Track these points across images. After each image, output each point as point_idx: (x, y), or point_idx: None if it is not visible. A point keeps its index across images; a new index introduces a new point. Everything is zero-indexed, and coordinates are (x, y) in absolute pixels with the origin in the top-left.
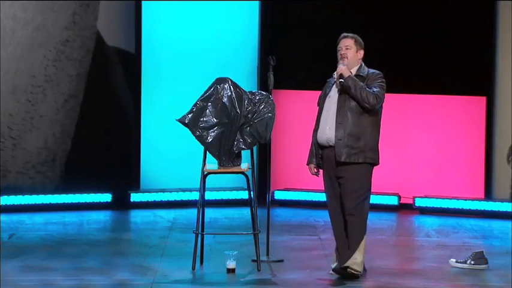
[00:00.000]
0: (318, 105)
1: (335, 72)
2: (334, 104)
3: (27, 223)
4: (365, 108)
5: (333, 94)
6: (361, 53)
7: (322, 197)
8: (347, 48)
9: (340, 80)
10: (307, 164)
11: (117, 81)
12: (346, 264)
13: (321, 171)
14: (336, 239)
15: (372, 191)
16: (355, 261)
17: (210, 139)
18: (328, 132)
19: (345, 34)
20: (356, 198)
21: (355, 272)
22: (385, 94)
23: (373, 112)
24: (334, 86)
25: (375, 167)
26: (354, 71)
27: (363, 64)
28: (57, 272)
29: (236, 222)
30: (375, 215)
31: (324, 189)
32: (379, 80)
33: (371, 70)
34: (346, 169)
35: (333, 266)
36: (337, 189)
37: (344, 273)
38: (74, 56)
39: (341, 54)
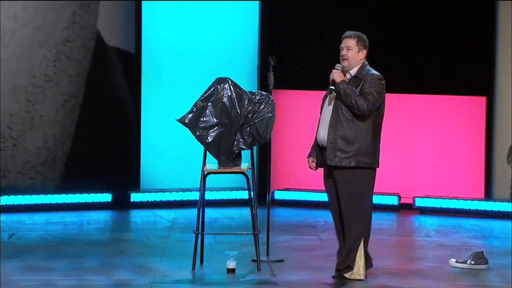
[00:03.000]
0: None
1: None
2: (330, 106)
3: (27, 223)
4: (356, 114)
5: (331, 96)
6: (364, 52)
7: (322, 197)
8: (348, 49)
9: (331, 87)
10: (308, 157)
11: (117, 81)
12: (347, 276)
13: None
14: (338, 239)
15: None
16: (357, 270)
17: (210, 139)
18: (322, 134)
19: (347, 33)
20: (350, 202)
21: (358, 279)
22: (384, 96)
23: (369, 115)
24: None
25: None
26: (353, 71)
27: (365, 64)
28: (57, 272)
29: (236, 222)
30: (374, 215)
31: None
32: (376, 84)
33: (371, 71)
34: (338, 173)
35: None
36: (334, 189)
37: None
38: (74, 56)
39: (341, 56)
